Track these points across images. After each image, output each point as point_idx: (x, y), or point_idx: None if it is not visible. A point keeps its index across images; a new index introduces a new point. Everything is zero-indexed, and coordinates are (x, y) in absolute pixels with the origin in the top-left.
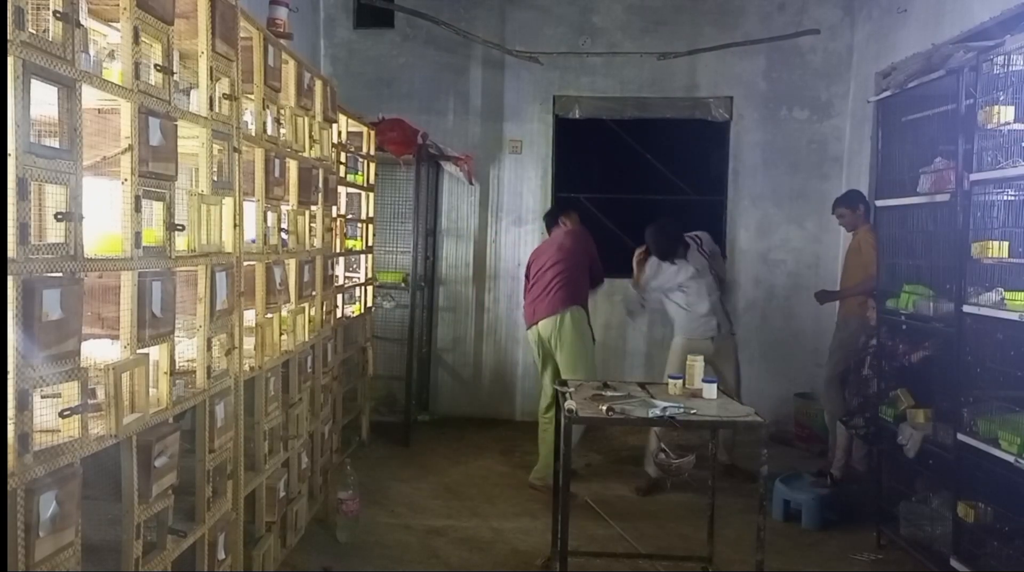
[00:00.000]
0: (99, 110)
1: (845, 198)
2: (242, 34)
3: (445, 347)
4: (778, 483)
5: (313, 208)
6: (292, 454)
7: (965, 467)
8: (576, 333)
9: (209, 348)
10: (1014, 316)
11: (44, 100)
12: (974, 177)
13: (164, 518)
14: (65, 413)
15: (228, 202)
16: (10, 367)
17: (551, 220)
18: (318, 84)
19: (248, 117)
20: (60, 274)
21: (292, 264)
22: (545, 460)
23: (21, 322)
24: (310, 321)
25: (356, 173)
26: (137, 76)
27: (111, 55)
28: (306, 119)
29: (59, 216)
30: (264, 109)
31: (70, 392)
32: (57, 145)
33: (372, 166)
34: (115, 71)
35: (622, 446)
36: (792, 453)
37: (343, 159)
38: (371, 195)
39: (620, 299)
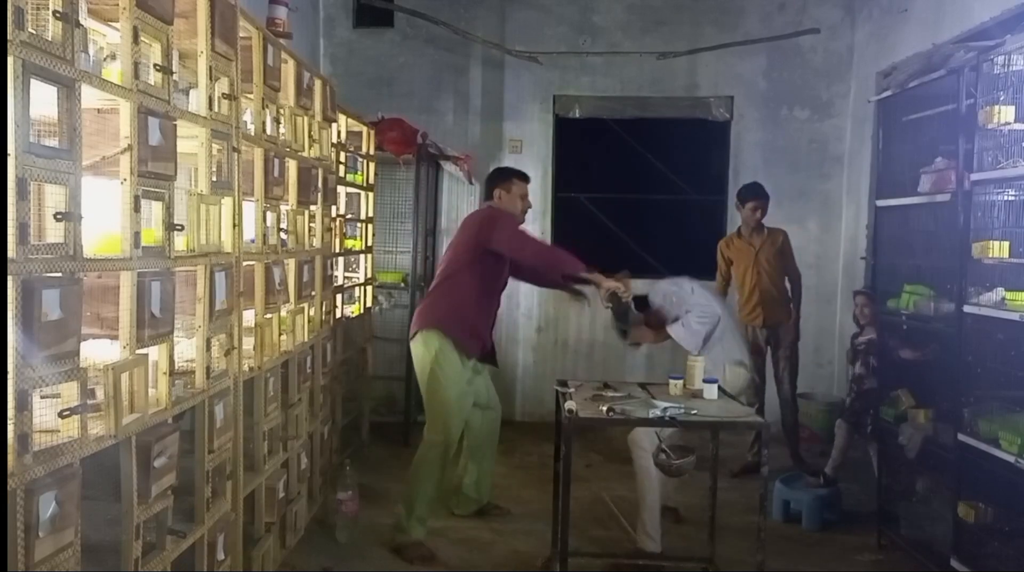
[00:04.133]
0: (99, 110)
1: (762, 190)
2: (241, 34)
3: None
4: (778, 483)
5: (312, 208)
6: (291, 455)
7: (966, 467)
8: (419, 365)
9: (208, 348)
10: (1015, 316)
11: (44, 100)
12: (975, 177)
13: (163, 518)
14: (64, 413)
15: (227, 202)
16: (10, 367)
17: (489, 187)
18: (317, 84)
19: (247, 117)
20: (59, 274)
21: (291, 264)
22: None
23: (21, 322)
24: (309, 321)
25: (356, 173)
26: (136, 76)
27: (112, 56)
28: (305, 119)
29: (59, 216)
30: (263, 109)
31: (69, 392)
32: (57, 145)
33: (372, 166)
34: (114, 71)
35: (622, 447)
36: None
37: (343, 159)
38: (371, 195)
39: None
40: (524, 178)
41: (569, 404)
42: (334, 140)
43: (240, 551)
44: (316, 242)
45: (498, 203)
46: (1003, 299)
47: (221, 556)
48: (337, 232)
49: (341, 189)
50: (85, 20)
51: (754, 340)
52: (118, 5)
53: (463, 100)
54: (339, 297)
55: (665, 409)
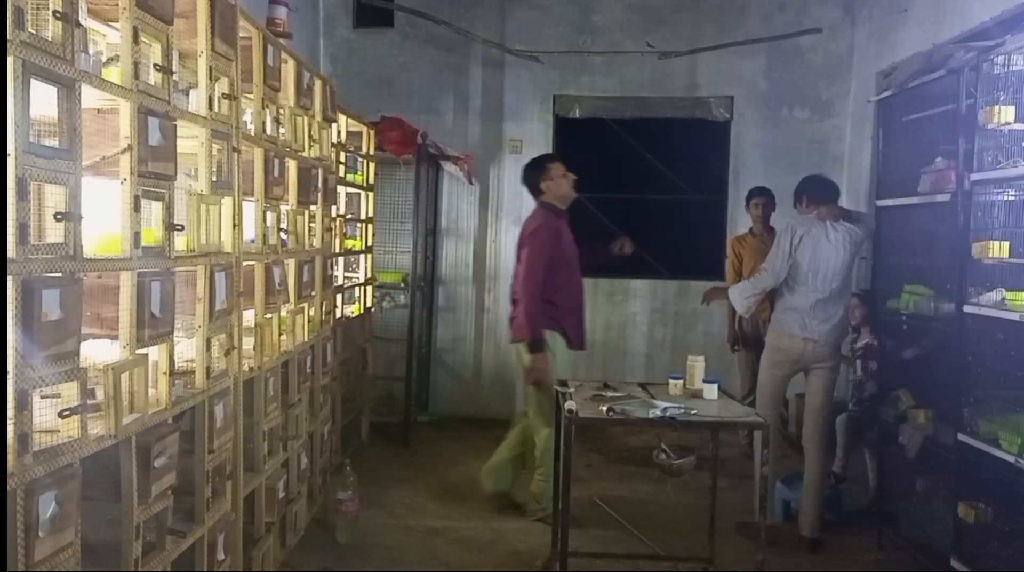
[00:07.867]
0: (99, 110)
1: (766, 190)
2: (241, 34)
3: (445, 347)
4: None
5: (312, 208)
6: (291, 455)
7: (965, 467)
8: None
9: (208, 348)
10: (1015, 316)
11: (44, 100)
12: (975, 177)
13: (163, 518)
14: (64, 413)
15: (227, 202)
16: (10, 367)
17: (532, 183)
18: (317, 84)
19: (247, 117)
20: (59, 274)
21: (291, 264)
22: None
23: (21, 322)
24: (309, 321)
25: (356, 173)
26: (136, 76)
27: (114, 59)
28: (305, 119)
29: (59, 216)
30: (263, 109)
31: (69, 392)
32: (57, 145)
33: (372, 166)
34: (114, 71)
35: (622, 447)
36: (793, 453)
37: (343, 159)
38: (371, 195)
39: (621, 299)
40: (555, 158)
41: (569, 404)
42: (334, 140)
43: (240, 551)
44: (316, 242)
45: (549, 194)
46: (1003, 299)
47: (221, 556)
48: (337, 232)
49: (341, 189)
50: (85, 20)
51: (759, 332)
52: (118, 5)
53: (463, 100)
54: (339, 297)
55: (665, 409)
